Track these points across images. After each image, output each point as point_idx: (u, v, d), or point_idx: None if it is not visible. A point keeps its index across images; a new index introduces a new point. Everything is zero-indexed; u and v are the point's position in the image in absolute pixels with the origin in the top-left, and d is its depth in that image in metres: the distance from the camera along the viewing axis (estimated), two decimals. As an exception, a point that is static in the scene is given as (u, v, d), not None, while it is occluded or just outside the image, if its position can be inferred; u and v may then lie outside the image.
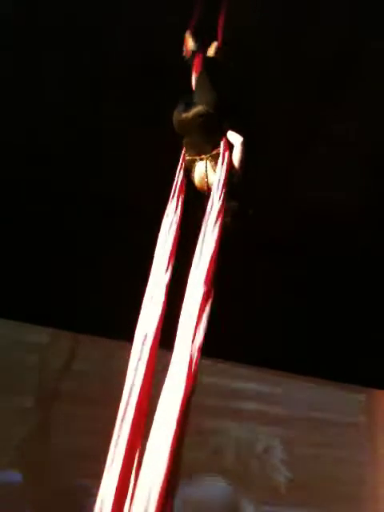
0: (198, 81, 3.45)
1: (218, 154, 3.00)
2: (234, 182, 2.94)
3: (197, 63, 3.56)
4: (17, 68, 4.57)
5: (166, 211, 2.95)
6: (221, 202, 2.79)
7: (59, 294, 5.63)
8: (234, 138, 3.06)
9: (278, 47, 4.51)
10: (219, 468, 6.01)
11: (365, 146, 5.24)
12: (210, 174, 2.99)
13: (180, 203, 2.98)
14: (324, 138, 5.18)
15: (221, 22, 3.71)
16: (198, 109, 3.15)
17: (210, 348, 6.01)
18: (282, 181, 5.55)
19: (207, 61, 3.58)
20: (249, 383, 6.57)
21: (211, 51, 3.70)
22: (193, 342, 2.33)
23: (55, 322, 5.89)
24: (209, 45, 3.75)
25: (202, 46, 3.73)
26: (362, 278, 6.20)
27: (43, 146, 5.04)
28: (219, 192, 2.82)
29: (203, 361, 2.76)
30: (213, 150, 3.06)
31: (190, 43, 3.74)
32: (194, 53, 3.68)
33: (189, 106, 3.22)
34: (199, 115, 3.13)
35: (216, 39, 3.71)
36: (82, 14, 4.27)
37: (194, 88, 3.46)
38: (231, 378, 6.49)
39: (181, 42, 3.79)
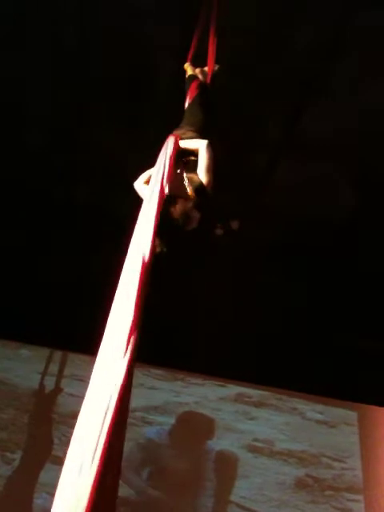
0: (190, 104, 3.58)
1: (189, 161, 3.00)
2: (201, 191, 2.85)
3: (192, 88, 3.71)
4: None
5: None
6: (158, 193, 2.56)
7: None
8: (197, 143, 3.01)
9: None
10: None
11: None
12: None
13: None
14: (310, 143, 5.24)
15: (212, 48, 3.87)
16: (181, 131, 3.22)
17: (197, 362, 6.07)
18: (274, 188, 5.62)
19: (202, 86, 3.73)
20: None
21: (202, 76, 3.89)
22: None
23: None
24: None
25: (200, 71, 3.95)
26: (354, 288, 6.19)
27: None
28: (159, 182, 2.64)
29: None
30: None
31: (189, 71, 3.94)
32: (191, 78, 3.85)
33: (177, 127, 3.31)
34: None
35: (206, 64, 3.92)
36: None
37: (185, 108, 3.59)
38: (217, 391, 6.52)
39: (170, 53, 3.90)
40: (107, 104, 4.85)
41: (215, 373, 6.45)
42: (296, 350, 6.27)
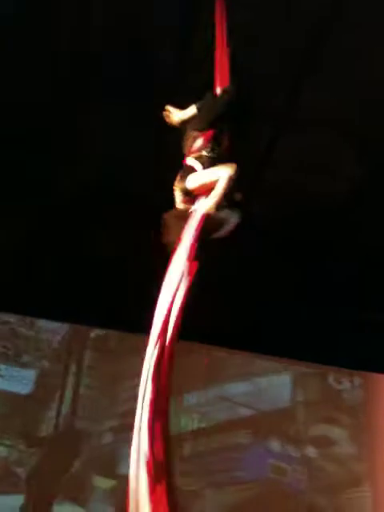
0: None
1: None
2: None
3: None
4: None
5: None
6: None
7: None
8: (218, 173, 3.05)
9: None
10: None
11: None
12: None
13: None
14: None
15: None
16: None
17: (203, 334, 6.18)
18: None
19: None
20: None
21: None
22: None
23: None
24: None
25: None
26: (353, 262, 6.26)
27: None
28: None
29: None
30: None
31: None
32: None
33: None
34: None
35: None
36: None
37: None
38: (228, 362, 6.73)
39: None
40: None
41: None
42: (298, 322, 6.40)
